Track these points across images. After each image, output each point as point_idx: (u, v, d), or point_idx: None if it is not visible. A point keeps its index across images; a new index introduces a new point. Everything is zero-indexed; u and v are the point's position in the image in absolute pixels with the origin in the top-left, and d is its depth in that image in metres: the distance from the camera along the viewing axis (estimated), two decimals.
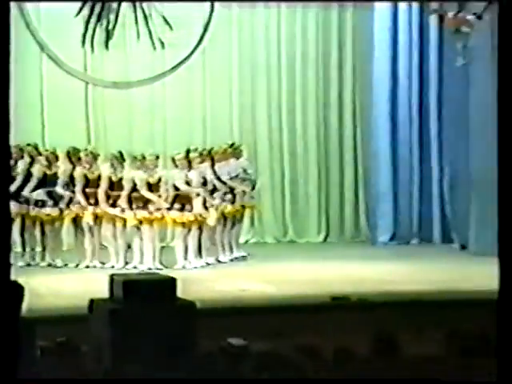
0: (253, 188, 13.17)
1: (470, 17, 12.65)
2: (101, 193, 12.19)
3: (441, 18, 13.16)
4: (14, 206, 11.69)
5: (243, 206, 13.03)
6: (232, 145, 13.32)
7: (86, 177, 12.46)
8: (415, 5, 14.17)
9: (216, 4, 14.24)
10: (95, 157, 12.56)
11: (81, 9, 13.76)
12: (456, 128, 14.01)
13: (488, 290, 10.57)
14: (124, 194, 12.21)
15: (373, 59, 14.46)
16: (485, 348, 5.21)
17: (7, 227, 3.91)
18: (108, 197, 12.25)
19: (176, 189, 12.27)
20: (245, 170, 13.08)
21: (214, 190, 12.56)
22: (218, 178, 12.63)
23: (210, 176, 12.55)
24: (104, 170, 12.49)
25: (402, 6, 14.29)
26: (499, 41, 4.41)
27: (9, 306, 4.00)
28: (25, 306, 7.11)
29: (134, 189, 12.33)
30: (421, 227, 14.43)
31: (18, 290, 7.09)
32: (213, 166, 12.78)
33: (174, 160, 12.58)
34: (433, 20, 13.49)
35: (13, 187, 11.85)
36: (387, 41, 14.39)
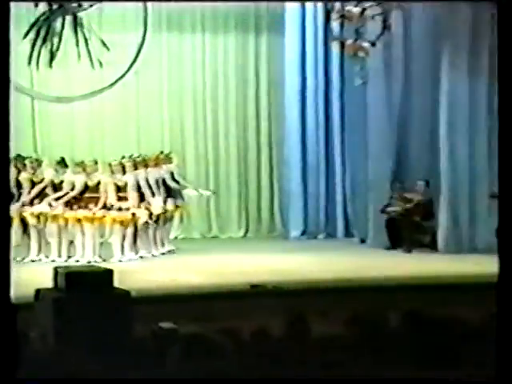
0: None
1: (365, 44, 12.78)
2: (34, 192, 12.11)
3: (342, 45, 13.25)
4: None
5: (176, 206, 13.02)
6: (162, 152, 13.29)
7: (31, 181, 12.40)
8: (320, 33, 14.25)
9: (148, 29, 14.18)
10: (39, 163, 12.53)
11: (28, 32, 13.62)
12: (356, 137, 14.14)
13: (383, 277, 10.74)
14: (61, 194, 12.19)
15: (284, 81, 14.50)
16: (382, 327, 5.23)
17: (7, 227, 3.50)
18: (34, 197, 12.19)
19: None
20: (173, 176, 13.01)
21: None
22: (148, 183, 12.60)
23: (142, 181, 12.49)
24: (47, 174, 12.43)
25: (309, 33, 14.36)
26: (498, 40, 3.99)
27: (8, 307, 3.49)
28: None
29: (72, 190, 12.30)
30: (327, 224, 14.52)
31: None
32: (145, 171, 12.74)
33: (110, 165, 12.55)
34: (335, 46, 13.59)
35: None
36: (297, 66, 14.43)
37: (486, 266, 10.04)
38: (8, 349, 3.12)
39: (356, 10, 12.70)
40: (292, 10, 14.38)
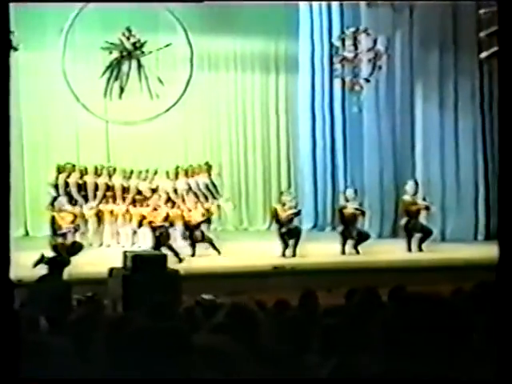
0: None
1: (361, 80, 12.78)
2: (118, 194, 12.12)
3: (343, 81, 13.25)
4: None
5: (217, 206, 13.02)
6: (206, 163, 13.35)
7: (106, 184, 12.48)
8: (326, 72, 14.22)
9: (193, 68, 14.21)
10: (113, 170, 12.64)
11: (104, 72, 13.77)
12: (354, 152, 14.11)
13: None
14: (130, 196, 12.25)
15: (298, 111, 14.56)
16: (374, 301, 5.12)
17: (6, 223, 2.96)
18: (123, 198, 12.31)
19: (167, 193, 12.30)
20: (213, 182, 13.07)
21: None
22: (193, 186, 12.65)
23: (187, 185, 12.58)
24: (117, 180, 12.51)
25: (317, 73, 14.35)
26: (498, 40, 3.26)
27: (9, 305, 2.86)
28: (65, 272, 7.03)
29: (139, 193, 12.32)
30: (333, 219, 14.40)
31: (63, 262, 7.04)
32: (193, 177, 12.81)
33: (167, 173, 12.66)
34: (337, 82, 13.60)
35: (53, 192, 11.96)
36: (308, 98, 14.43)
37: None
38: (9, 349, 2.56)
39: (351, 54, 12.75)
40: (304, 53, 14.43)
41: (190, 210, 11.92)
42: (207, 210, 12.29)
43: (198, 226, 11.61)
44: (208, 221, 11.99)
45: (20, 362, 2.52)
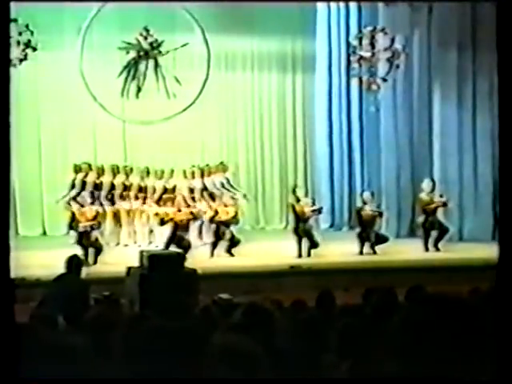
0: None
1: (378, 79, 12.74)
2: (133, 195, 12.15)
3: (360, 80, 13.23)
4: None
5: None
6: (221, 162, 13.35)
7: (123, 184, 12.50)
8: (343, 71, 14.20)
9: (210, 68, 14.23)
10: (130, 170, 12.67)
11: (121, 72, 13.80)
12: (371, 152, 14.08)
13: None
14: (150, 196, 12.26)
15: (315, 109, 14.56)
16: (391, 303, 5.12)
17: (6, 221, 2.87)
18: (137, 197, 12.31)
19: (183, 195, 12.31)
20: (228, 181, 13.06)
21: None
22: (208, 186, 12.64)
23: (204, 184, 12.58)
24: (135, 179, 12.53)
25: (334, 72, 14.34)
26: (498, 40, 3.25)
27: (9, 304, 2.80)
28: (83, 271, 7.04)
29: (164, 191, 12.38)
30: (350, 218, 14.39)
31: (78, 261, 7.07)
32: (209, 176, 12.81)
33: (184, 172, 12.67)
34: (354, 82, 13.57)
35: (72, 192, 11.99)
36: (325, 97, 14.41)
37: None
38: (8, 348, 2.52)
39: (369, 54, 12.72)
40: (321, 53, 14.41)
41: (226, 206, 11.74)
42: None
43: (227, 224, 11.46)
44: (236, 221, 11.81)
45: (37, 362, 2.51)
